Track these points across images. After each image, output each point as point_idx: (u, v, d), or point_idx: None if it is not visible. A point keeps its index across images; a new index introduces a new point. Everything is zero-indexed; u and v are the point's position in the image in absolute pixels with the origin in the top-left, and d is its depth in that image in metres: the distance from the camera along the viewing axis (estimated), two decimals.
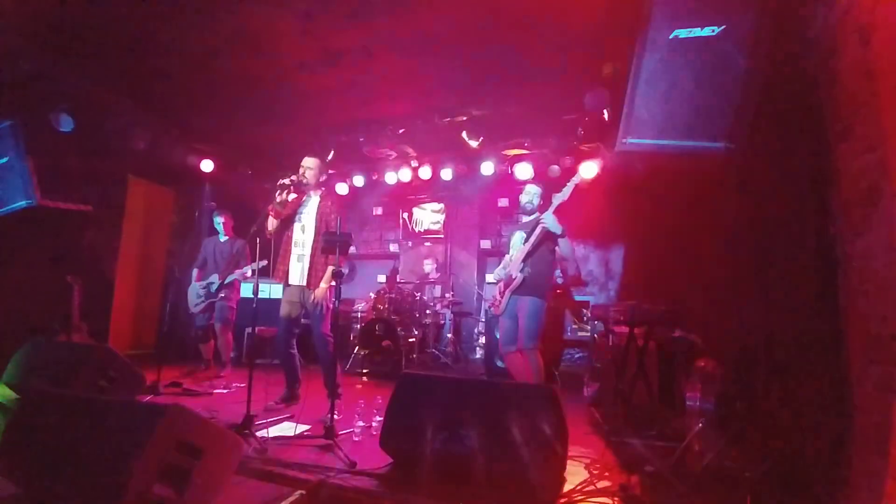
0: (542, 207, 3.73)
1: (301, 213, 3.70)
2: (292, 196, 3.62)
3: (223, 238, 5.08)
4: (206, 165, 6.23)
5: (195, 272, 5.04)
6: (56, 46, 4.09)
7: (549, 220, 3.46)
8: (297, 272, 3.64)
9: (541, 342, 3.51)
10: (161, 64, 4.30)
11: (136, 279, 6.67)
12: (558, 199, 3.50)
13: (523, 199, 3.79)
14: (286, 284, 3.67)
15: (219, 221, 5.05)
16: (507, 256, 3.85)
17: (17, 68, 4.15)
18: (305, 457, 2.59)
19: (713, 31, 1.93)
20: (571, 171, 5.81)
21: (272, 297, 5.99)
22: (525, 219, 3.86)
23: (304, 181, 3.58)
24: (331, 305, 3.49)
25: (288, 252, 3.69)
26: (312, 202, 3.71)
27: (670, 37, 1.98)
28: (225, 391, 4.30)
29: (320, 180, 3.71)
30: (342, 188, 7.13)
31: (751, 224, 2.63)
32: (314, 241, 3.59)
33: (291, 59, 4.17)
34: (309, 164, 3.65)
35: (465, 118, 5.29)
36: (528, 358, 3.44)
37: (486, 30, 3.68)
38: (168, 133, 5.77)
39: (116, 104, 5.11)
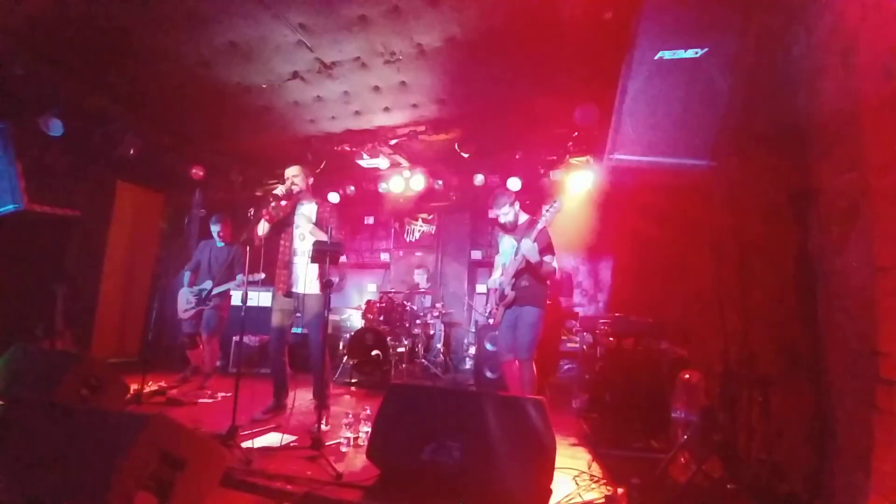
0: (528, 208, 3.77)
1: (298, 222, 3.71)
2: (283, 203, 3.66)
3: (220, 244, 4.97)
4: (197, 172, 6.20)
5: (187, 275, 4.92)
6: (48, 51, 4.07)
7: (528, 249, 3.31)
8: (302, 280, 3.62)
9: (536, 353, 3.49)
10: (153, 71, 4.30)
11: (122, 286, 6.58)
12: (540, 223, 3.34)
13: (501, 220, 3.71)
14: (287, 294, 3.65)
15: (215, 230, 4.94)
16: (496, 258, 3.83)
17: (9, 72, 4.13)
18: (291, 468, 2.57)
19: (696, 52, 1.99)
20: (562, 183, 5.90)
21: (261, 304, 5.96)
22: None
23: (295, 190, 3.62)
24: (324, 314, 3.48)
25: (289, 262, 3.68)
26: (308, 209, 3.72)
27: (655, 58, 2.03)
28: (210, 401, 4.25)
29: (309, 184, 3.75)
30: (334, 197, 7.13)
31: (735, 239, 2.67)
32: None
33: (284, 69, 4.19)
34: (293, 172, 3.70)
35: (457, 130, 5.33)
36: (523, 368, 3.42)
37: (478, 45, 3.73)
38: (158, 139, 5.75)
39: (107, 109, 5.09)
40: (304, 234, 3.66)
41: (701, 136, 2.03)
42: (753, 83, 2.05)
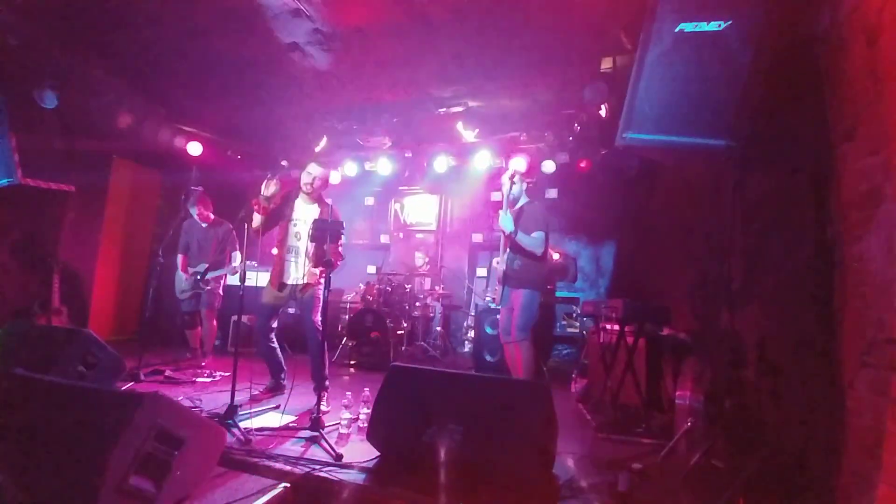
0: (529, 191, 3.70)
1: (296, 219, 3.59)
2: (273, 189, 3.47)
3: (203, 224, 4.83)
4: (194, 148, 6.09)
5: (180, 257, 4.82)
6: (43, 22, 3.94)
7: (502, 220, 3.48)
8: (291, 273, 3.56)
9: (532, 334, 3.49)
10: (149, 42, 4.18)
11: (119, 263, 6.52)
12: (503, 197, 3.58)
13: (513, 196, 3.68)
14: (280, 288, 3.57)
15: (193, 212, 4.78)
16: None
17: (3, 43, 4.00)
18: (290, 449, 2.55)
19: (719, 25, 1.89)
20: (567, 166, 5.81)
21: (259, 285, 5.91)
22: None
23: (310, 190, 3.53)
24: (321, 295, 3.42)
25: (282, 257, 3.58)
26: (310, 210, 3.59)
27: (675, 30, 1.93)
28: (208, 380, 4.23)
29: (323, 192, 3.64)
30: (334, 177, 7.02)
31: (746, 223, 2.61)
32: (308, 248, 3.52)
33: (283, 39, 4.06)
34: (317, 172, 3.55)
35: (461, 109, 5.22)
36: (520, 349, 3.45)
37: (485, 18, 3.61)
38: (155, 113, 5.62)
39: (102, 82, 4.96)
40: (300, 233, 3.56)
41: (720, 114, 1.95)
42: (776, 60, 1.96)
